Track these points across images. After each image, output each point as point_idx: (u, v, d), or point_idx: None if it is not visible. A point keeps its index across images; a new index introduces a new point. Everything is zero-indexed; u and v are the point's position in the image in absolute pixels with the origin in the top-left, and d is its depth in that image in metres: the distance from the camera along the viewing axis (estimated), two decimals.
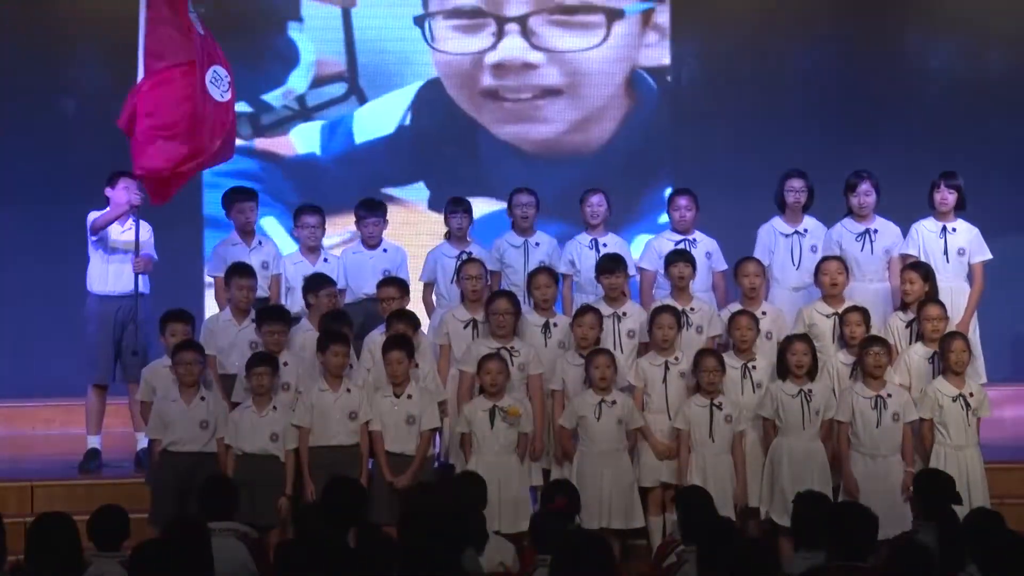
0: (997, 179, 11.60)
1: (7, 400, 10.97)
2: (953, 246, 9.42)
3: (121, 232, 9.47)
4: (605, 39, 11.72)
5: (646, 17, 11.82)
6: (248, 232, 9.62)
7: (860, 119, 11.92)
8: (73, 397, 9.92)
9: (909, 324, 8.93)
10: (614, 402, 8.36)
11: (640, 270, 9.62)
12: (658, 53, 11.85)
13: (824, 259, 9.13)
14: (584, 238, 9.76)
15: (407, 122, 11.79)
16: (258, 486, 8.07)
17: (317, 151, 11.78)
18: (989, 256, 9.50)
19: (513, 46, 11.71)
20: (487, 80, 11.73)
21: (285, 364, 8.54)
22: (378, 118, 11.78)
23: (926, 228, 9.47)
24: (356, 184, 11.25)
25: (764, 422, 8.46)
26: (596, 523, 8.13)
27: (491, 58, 11.71)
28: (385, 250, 9.78)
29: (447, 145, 11.77)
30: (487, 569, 6.91)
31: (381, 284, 9.12)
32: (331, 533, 6.32)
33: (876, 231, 9.49)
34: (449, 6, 11.82)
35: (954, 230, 9.46)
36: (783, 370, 8.44)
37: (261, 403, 8.29)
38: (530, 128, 11.82)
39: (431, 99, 11.77)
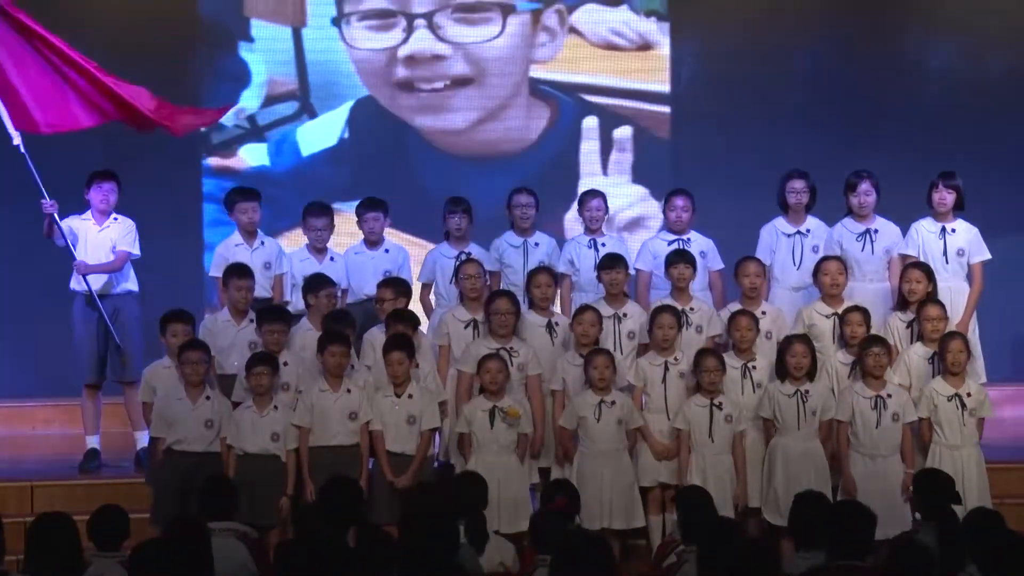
0: (997, 179, 11.57)
1: (7, 400, 10.96)
2: (952, 246, 9.41)
3: (99, 232, 9.48)
4: (500, 34, 11.93)
5: (535, 16, 11.95)
6: (251, 232, 9.61)
7: (860, 119, 11.89)
8: (73, 397, 9.90)
9: (909, 324, 8.92)
10: (613, 402, 8.36)
11: (635, 271, 9.61)
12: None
13: (824, 259, 9.11)
14: (583, 238, 9.77)
15: (346, 135, 11.90)
16: (258, 486, 8.07)
17: (267, 163, 11.83)
18: (988, 256, 9.48)
19: (422, 39, 11.88)
20: (401, 72, 11.87)
21: (285, 364, 8.54)
22: (321, 132, 11.89)
23: (925, 228, 9.46)
24: (311, 197, 11.24)
25: (765, 422, 8.46)
26: (597, 523, 8.13)
27: (403, 51, 11.88)
28: (387, 250, 9.79)
29: (383, 157, 11.83)
30: (487, 569, 6.91)
31: (379, 285, 9.13)
32: (331, 533, 6.32)
33: (876, 231, 9.48)
34: (361, 8, 11.90)
35: (953, 230, 9.45)
36: (782, 371, 8.44)
37: (262, 403, 8.29)
38: (444, 117, 11.95)
39: (368, 112, 11.90)
